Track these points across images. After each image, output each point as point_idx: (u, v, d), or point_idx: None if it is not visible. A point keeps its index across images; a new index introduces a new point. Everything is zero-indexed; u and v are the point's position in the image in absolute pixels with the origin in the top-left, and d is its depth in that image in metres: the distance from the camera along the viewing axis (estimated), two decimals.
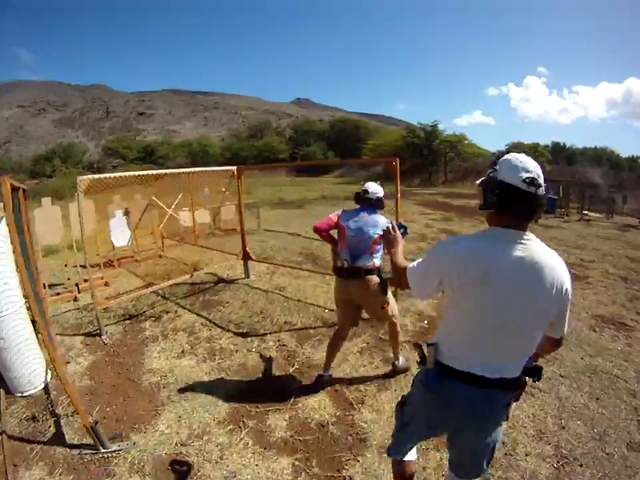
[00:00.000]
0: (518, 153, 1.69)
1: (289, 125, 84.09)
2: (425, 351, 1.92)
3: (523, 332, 1.68)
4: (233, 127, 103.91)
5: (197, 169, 7.20)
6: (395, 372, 4.17)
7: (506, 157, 1.70)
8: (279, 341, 5.05)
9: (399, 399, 2.18)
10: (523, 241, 1.63)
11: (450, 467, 2.13)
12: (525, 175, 1.56)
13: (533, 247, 1.64)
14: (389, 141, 49.33)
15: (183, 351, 4.86)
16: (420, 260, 1.88)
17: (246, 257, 7.63)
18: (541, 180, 1.59)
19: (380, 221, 3.79)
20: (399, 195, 5.18)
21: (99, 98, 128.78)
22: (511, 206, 1.62)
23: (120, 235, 8.94)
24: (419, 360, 1.97)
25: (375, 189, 3.99)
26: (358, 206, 3.99)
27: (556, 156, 50.19)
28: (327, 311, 5.94)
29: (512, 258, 1.60)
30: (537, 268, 1.59)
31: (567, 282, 1.66)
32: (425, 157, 44.53)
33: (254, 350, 4.84)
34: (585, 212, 18.93)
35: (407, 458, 2.13)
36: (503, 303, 1.62)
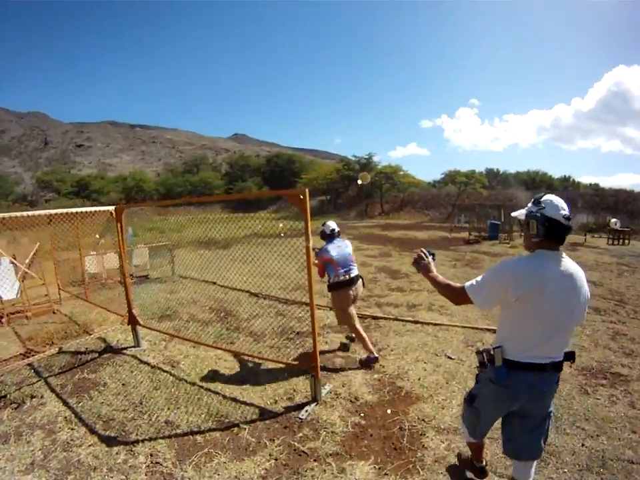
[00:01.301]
0: (552, 194, 2.29)
1: (225, 160, 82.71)
2: (489, 354, 2.40)
3: (568, 326, 2.25)
4: (170, 161, 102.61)
5: (67, 210, 5.72)
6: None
7: (548, 197, 2.23)
8: (151, 455, 3.55)
9: (465, 396, 2.68)
10: (562, 259, 2.20)
11: (508, 453, 2.56)
12: (564, 213, 2.16)
13: (568, 261, 2.22)
14: (322, 174, 48.76)
15: (32, 463, 3.47)
16: (480, 279, 2.31)
17: (132, 322, 6.12)
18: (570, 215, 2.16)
19: (347, 242, 5.39)
20: (309, 232, 4.07)
21: (38, 127, 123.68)
22: (554, 235, 2.19)
23: (7, 285, 7.51)
24: (478, 364, 2.53)
25: (333, 224, 5.43)
26: (324, 241, 5.37)
27: (491, 181, 51.07)
28: (227, 401, 4.45)
29: (558, 271, 2.15)
30: (574, 277, 2.18)
31: (586, 284, 2.25)
32: (361, 190, 43.99)
33: (116, 470, 3.35)
34: None
35: (474, 440, 2.72)
36: (555, 306, 2.13)
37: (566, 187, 53.57)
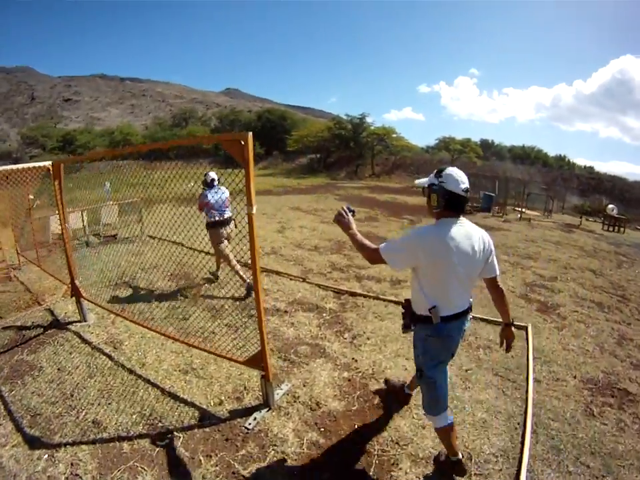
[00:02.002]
0: (453, 167, 2.52)
1: (215, 115, 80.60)
2: (421, 315, 2.60)
3: (472, 277, 2.59)
4: (159, 115, 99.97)
5: None
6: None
7: (448, 171, 2.47)
8: (72, 464, 3.00)
9: (417, 375, 2.79)
10: (463, 224, 2.50)
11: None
12: (463, 187, 2.44)
13: (468, 225, 2.53)
14: (313, 132, 47.01)
15: None
16: (395, 242, 2.58)
17: (76, 294, 5.44)
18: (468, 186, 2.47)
19: (224, 189, 6.39)
20: (252, 193, 3.08)
21: (24, 82, 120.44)
22: (454, 206, 2.47)
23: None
24: (404, 326, 2.79)
25: (213, 175, 6.46)
26: (206, 188, 6.40)
27: (485, 152, 49.56)
28: (165, 398, 3.80)
29: (460, 235, 2.43)
30: (473, 237, 2.49)
31: (488, 241, 2.60)
32: (352, 150, 42.92)
33: (35, 478, 2.91)
34: (522, 210, 17.76)
35: (448, 423, 2.78)
36: (462, 263, 2.44)
37: (561, 165, 52.82)
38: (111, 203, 11.06)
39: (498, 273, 2.71)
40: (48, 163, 5.33)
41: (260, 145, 56.89)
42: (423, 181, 2.63)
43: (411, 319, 2.72)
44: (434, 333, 2.57)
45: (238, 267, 6.21)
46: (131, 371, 4.23)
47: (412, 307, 2.72)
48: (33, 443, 3.26)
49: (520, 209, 17.73)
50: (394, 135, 42.74)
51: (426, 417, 2.91)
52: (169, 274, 7.21)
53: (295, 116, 66.96)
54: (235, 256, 5.94)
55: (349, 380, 4.06)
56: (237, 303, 5.94)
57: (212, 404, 3.69)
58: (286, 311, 5.62)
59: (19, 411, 3.66)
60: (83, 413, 3.58)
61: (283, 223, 11.84)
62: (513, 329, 2.83)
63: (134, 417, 3.52)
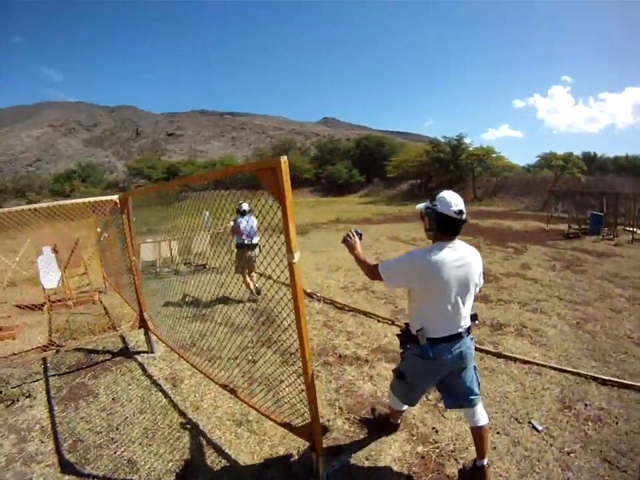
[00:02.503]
0: (448, 191, 2.67)
1: (314, 144, 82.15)
2: (411, 334, 2.73)
3: (468, 299, 2.64)
4: (259, 146, 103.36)
5: (63, 202, 5.21)
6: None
7: (441, 195, 2.60)
8: None
9: (395, 371, 3.00)
10: (456, 246, 2.58)
11: (452, 406, 2.92)
12: (455, 209, 2.51)
13: (462, 247, 2.62)
14: (412, 157, 46.02)
15: None
16: (392, 262, 2.69)
17: (144, 326, 5.41)
18: (464, 209, 2.56)
19: (253, 219, 7.43)
20: (291, 235, 2.36)
21: (129, 119, 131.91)
22: (447, 228, 2.57)
23: (49, 275, 7.57)
24: (400, 343, 2.88)
25: (245, 206, 7.42)
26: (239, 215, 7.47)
27: (588, 166, 46.12)
28: (208, 451, 3.39)
29: (453, 258, 2.52)
30: (467, 259, 2.58)
31: (480, 262, 2.70)
32: (452, 173, 41.51)
33: None
34: (635, 230, 14.94)
35: (404, 408, 3.24)
36: (455, 286, 2.53)
37: None
38: (204, 232, 11.20)
39: (478, 288, 2.80)
40: (115, 197, 5.36)
41: (360, 172, 57.74)
42: (421, 205, 2.76)
43: (406, 338, 2.84)
44: (421, 354, 2.68)
45: (248, 281, 7.59)
46: (182, 413, 3.96)
47: (409, 327, 2.84)
48: (65, 467, 3.27)
49: (632, 229, 15.06)
50: (493, 155, 39.82)
51: (389, 395, 3.24)
52: (250, 309, 7.06)
53: (392, 141, 66.83)
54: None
55: (423, 457, 3.21)
56: (327, 354, 5.18)
57: (256, 469, 3.16)
58: (367, 360, 4.91)
59: (63, 433, 3.73)
60: (122, 449, 3.44)
61: (379, 255, 11.22)
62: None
63: (170, 464, 3.22)
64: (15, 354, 5.51)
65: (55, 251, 7.71)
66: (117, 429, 3.72)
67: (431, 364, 2.67)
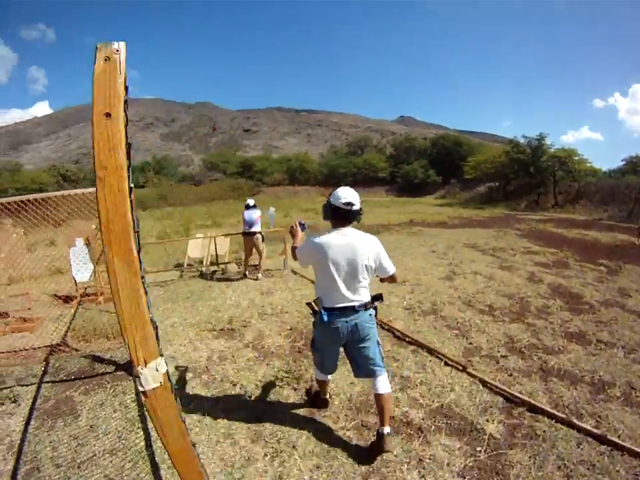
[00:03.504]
0: (343, 187, 3.12)
1: (390, 142, 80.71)
2: (314, 304, 3.16)
3: (357, 277, 2.99)
4: (335, 144, 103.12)
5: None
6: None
7: (336, 190, 3.06)
8: None
9: (310, 342, 3.45)
10: (345, 232, 3.00)
11: (359, 375, 3.34)
12: (343, 201, 2.94)
13: (351, 233, 3.02)
14: (491, 158, 43.15)
15: None
16: (301, 246, 3.23)
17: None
18: (354, 201, 2.97)
19: (256, 210, 8.81)
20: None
21: (206, 115, 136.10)
22: (338, 216, 3.02)
23: (81, 267, 7.02)
24: (311, 312, 3.26)
25: (250, 201, 9.04)
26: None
27: None
28: None
29: (340, 242, 2.96)
30: (353, 243, 2.97)
31: (373, 247, 3.06)
32: (532, 176, 38.42)
33: None
34: None
35: (325, 379, 3.58)
36: (341, 265, 2.94)
37: None
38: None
39: (392, 272, 3.18)
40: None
41: (436, 172, 56.30)
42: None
43: (313, 308, 3.22)
44: (319, 320, 3.11)
45: (247, 262, 9.08)
46: (155, 466, 3.09)
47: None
48: None
49: None
50: (576, 158, 36.55)
51: (314, 369, 3.69)
52: (288, 327, 5.95)
53: (470, 141, 64.03)
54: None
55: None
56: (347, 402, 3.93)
57: None
58: (420, 430, 3.45)
59: (27, 455, 3.32)
60: None
61: (454, 266, 9.50)
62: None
63: None
64: (25, 349, 5.32)
65: (87, 242, 7.16)
66: (79, 467, 3.12)
67: (327, 329, 3.09)
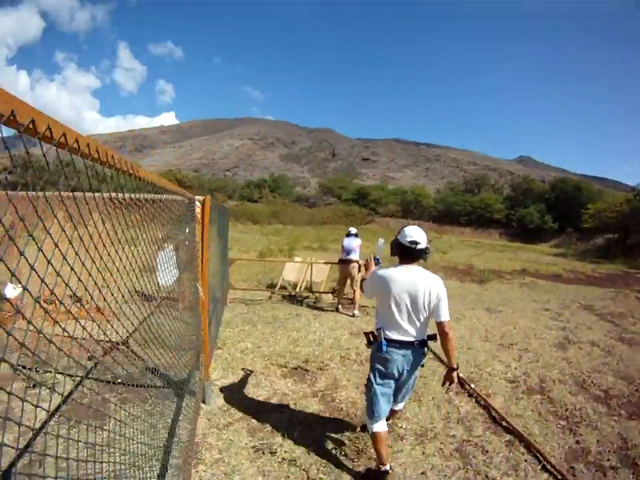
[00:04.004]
0: (412, 226, 3.22)
1: (507, 183, 77.35)
2: (375, 334, 3.18)
3: (417, 313, 3.03)
4: (452, 180, 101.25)
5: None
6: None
7: (404, 228, 3.17)
8: None
9: (365, 383, 3.37)
10: (409, 269, 3.06)
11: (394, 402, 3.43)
12: (409, 239, 3.03)
13: (414, 270, 3.05)
14: (611, 206, 37.60)
15: None
16: (369, 277, 3.34)
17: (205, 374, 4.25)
18: (420, 240, 3.04)
19: (356, 239, 8.37)
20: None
21: (326, 140, 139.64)
22: (403, 254, 3.11)
23: (166, 272, 6.43)
24: (366, 342, 3.26)
25: (352, 229, 8.68)
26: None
27: None
28: None
29: (403, 277, 3.02)
30: (415, 280, 3.00)
31: (434, 287, 3.02)
32: None
33: None
34: None
35: (381, 430, 3.21)
36: (404, 300, 3.00)
37: None
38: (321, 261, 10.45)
39: (443, 319, 3.05)
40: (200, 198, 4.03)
41: (552, 219, 52.53)
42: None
43: (370, 338, 3.25)
44: (377, 349, 3.16)
45: (357, 297, 8.12)
46: None
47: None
48: None
49: None
50: None
51: (366, 422, 3.40)
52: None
53: (590, 187, 58.57)
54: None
55: None
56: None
57: None
58: None
59: (36, 446, 2.97)
60: None
61: (569, 332, 7.84)
62: (455, 374, 3.13)
63: None
64: (83, 339, 4.63)
65: (176, 249, 6.97)
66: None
67: (384, 360, 3.13)
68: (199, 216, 3.88)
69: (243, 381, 4.69)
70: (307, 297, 9.24)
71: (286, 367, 5.16)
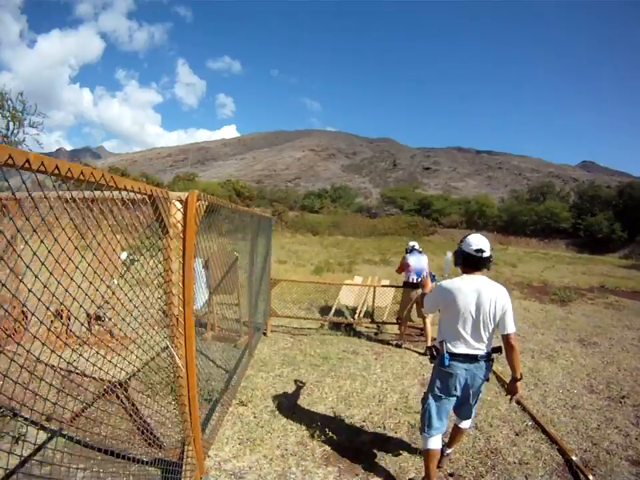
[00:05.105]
0: (474, 233, 3.19)
1: (572, 189, 72.77)
2: (437, 348, 3.09)
3: (482, 325, 2.92)
4: (516, 188, 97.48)
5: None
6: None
7: (467, 236, 3.13)
8: None
9: (422, 398, 3.29)
10: (475, 279, 2.98)
11: (458, 417, 3.36)
12: (474, 248, 2.97)
13: (480, 280, 2.97)
14: None
15: None
16: (430, 294, 3.33)
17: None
18: (485, 248, 2.98)
19: (424, 256, 6.95)
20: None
21: (387, 150, 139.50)
22: (469, 263, 3.04)
23: (195, 293, 5.23)
24: (430, 357, 3.23)
25: (413, 243, 7.21)
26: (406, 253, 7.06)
27: None
28: None
29: (469, 288, 2.93)
30: (481, 291, 2.91)
31: (500, 298, 2.93)
32: None
33: None
34: None
35: (435, 447, 3.12)
36: (470, 310, 2.92)
37: None
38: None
39: (510, 331, 2.95)
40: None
41: (622, 227, 47.99)
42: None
43: (433, 352, 3.20)
44: (440, 363, 3.05)
45: (429, 327, 6.50)
46: None
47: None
48: None
49: None
50: None
51: (422, 437, 3.26)
52: (450, 468, 3.62)
53: None
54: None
55: None
56: None
57: None
58: None
59: None
60: None
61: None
62: (518, 384, 3.05)
63: None
64: (76, 372, 3.32)
65: (205, 266, 5.76)
66: None
67: (446, 375, 3.04)
68: (178, 225, 2.40)
69: (262, 468, 3.22)
70: (367, 327, 7.61)
71: (330, 445, 3.60)
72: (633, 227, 46.45)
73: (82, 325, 3.40)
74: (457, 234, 51.85)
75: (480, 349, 2.98)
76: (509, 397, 3.13)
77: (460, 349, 2.97)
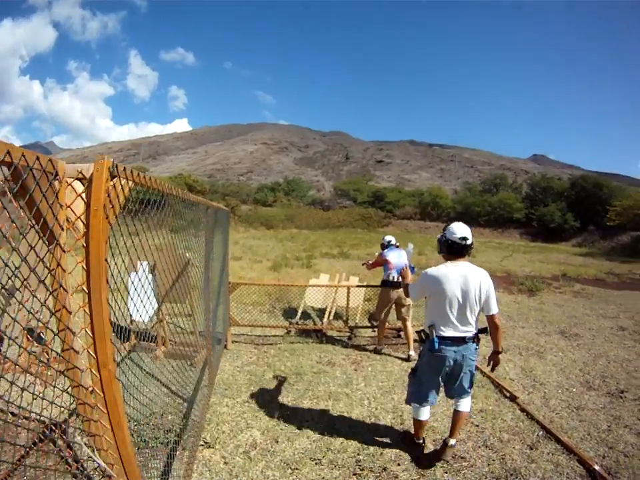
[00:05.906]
0: (457, 222, 3.37)
1: (525, 182, 74.70)
2: (427, 332, 3.28)
3: (469, 308, 3.13)
4: (468, 180, 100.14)
5: None
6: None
7: (450, 225, 3.31)
8: None
9: (409, 372, 3.56)
10: (459, 265, 3.19)
11: (448, 396, 3.53)
12: (458, 235, 3.17)
13: (464, 266, 3.18)
14: (639, 203, 36.39)
15: None
16: (415, 284, 3.48)
17: None
18: (468, 236, 3.21)
19: (404, 252, 6.32)
20: None
21: (340, 144, 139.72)
22: (453, 250, 3.23)
23: (140, 302, 4.14)
24: (421, 339, 3.89)
25: (390, 237, 6.58)
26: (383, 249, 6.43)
27: None
28: None
29: (455, 274, 3.13)
30: (467, 276, 3.12)
31: (484, 282, 3.16)
32: None
33: None
34: None
35: (424, 418, 3.43)
36: (457, 296, 3.10)
37: None
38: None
39: (494, 312, 3.21)
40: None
41: (574, 217, 50.00)
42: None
43: (424, 336, 3.60)
44: (429, 347, 3.22)
45: (410, 330, 5.97)
46: None
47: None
48: None
49: None
50: None
51: (412, 408, 3.54)
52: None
53: (610, 184, 55.76)
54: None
55: None
56: None
57: None
58: None
59: None
60: None
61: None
62: (500, 356, 3.32)
63: None
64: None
65: (152, 271, 5.07)
66: None
67: (436, 357, 3.21)
68: (78, 227, 1.41)
69: None
70: (339, 331, 6.88)
71: None
72: (584, 217, 48.35)
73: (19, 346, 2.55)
74: (411, 225, 54.21)
75: (467, 331, 3.21)
76: (488, 366, 3.43)
77: (449, 332, 3.18)
